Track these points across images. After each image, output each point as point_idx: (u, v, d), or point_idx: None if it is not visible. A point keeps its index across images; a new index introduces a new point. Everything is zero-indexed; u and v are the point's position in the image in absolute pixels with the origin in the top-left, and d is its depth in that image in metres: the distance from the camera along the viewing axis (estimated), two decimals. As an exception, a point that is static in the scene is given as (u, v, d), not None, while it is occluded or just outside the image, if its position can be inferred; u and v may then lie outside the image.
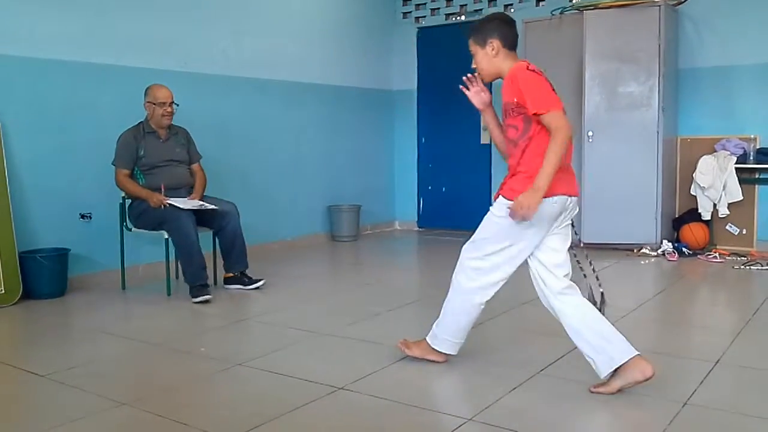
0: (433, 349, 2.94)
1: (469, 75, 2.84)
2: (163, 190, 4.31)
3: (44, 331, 3.73)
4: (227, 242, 4.51)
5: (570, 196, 2.63)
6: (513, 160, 2.65)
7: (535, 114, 2.51)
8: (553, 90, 2.61)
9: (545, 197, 2.50)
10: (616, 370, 2.57)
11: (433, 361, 2.95)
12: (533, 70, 2.61)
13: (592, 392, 2.62)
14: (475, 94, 2.85)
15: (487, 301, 2.80)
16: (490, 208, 2.72)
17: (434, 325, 2.94)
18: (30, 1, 4.40)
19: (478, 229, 2.76)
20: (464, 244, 2.82)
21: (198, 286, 4.22)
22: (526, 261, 2.72)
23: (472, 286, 2.77)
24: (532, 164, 2.54)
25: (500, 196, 2.67)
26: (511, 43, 2.73)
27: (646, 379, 2.55)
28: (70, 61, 4.62)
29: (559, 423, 2.44)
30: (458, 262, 2.82)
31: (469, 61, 2.81)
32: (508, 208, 2.55)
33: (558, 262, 2.68)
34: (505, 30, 2.72)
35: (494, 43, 2.69)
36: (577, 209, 2.73)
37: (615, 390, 2.58)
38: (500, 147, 2.87)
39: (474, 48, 2.75)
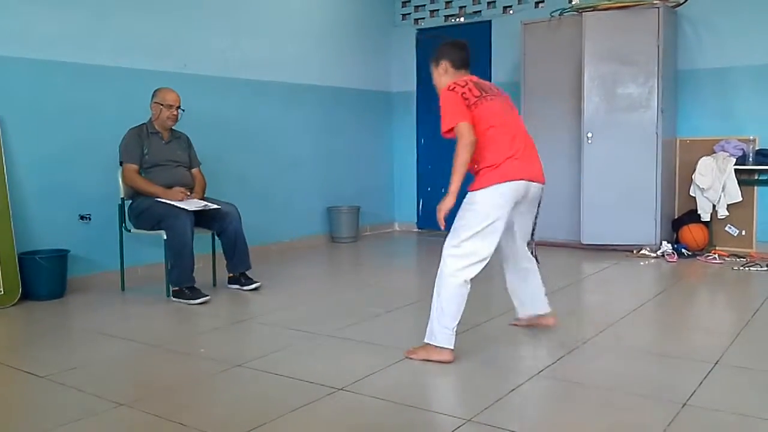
0: (435, 347, 2.97)
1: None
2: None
3: (43, 332, 3.73)
4: (229, 244, 4.52)
5: (529, 180, 3.03)
6: (470, 163, 2.99)
7: (446, 132, 2.97)
8: (469, 106, 2.97)
9: (504, 181, 2.92)
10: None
11: (440, 362, 2.96)
12: (452, 89, 3.01)
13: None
14: (442, 217, 2.98)
15: (470, 280, 2.95)
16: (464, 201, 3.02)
17: (428, 325, 3.01)
18: (30, 2, 4.40)
19: (454, 222, 3.01)
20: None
21: (187, 288, 4.21)
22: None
23: (453, 269, 2.94)
24: (480, 159, 2.98)
25: (469, 191, 3.01)
26: (459, 64, 3.19)
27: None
28: (70, 62, 4.62)
29: (558, 424, 2.44)
30: (441, 258, 3.00)
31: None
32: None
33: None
34: (454, 53, 3.19)
35: (444, 64, 3.19)
36: (541, 195, 3.17)
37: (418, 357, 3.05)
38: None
39: (432, 68, 3.25)
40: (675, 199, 6.07)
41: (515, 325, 3.53)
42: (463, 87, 3.01)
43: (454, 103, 2.97)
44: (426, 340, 3.01)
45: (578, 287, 4.77)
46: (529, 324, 3.48)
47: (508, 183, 2.94)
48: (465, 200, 3.00)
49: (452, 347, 2.96)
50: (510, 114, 3.12)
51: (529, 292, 3.38)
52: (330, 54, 6.76)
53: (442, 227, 3.02)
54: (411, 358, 3.04)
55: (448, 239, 3.00)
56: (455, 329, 2.96)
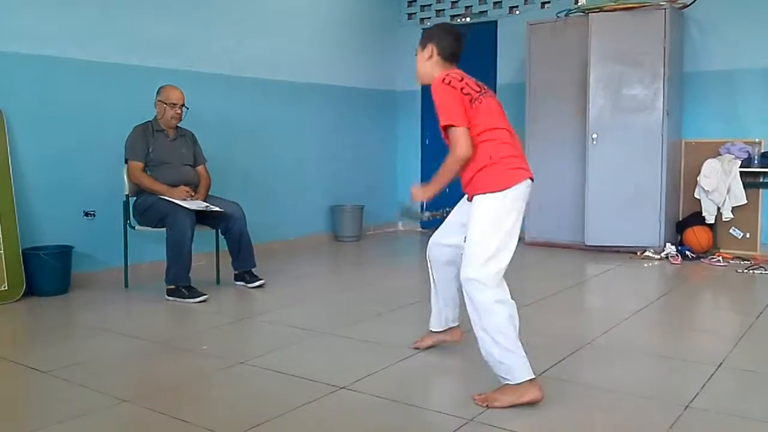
0: (522, 385, 2.56)
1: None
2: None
3: (47, 328, 3.74)
4: (234, 243, 4.53)
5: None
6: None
7: (443, 127, 2.61)
8: (472, 101, 2.63)
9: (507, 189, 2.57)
10: None
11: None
12: (448, 83, 2.64)
13: None
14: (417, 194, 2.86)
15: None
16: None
17: (496, 366, 2.61)
18: (36, -2, 4.42)
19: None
20: None
21: (184, 287, 4.20)
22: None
23: (502, 289, 2.66)
24: (473, 165, 2.63)
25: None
26: (447, 54, 2.80)
27: None
28: (76, 59, 4.63)
29: (560, 425, 2.43)
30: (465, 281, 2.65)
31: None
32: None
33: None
34: (445, 40, 2.80)
35: (431, 48, 2.80)
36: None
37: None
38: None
39: (417, 50, 2.87)
40: (679, 201, 6.06)
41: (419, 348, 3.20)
42: (460, 81, 2.66)
43: (454, 99, 2.61)
44: None
45: (582, 288, 4.77)
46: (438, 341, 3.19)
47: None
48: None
49: None
50: (504, 116, 2.75)
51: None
52: (335, 53, 6.76)
53: (415, 199, 2.83)
54: None
55: None
56: None
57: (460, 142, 2.56)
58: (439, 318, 3.14)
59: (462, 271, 2.59)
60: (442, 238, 3.00)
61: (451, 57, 2.82)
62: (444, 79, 2.66)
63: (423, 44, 2.84)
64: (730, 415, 2.45)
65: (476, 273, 2.52)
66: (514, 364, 2.51)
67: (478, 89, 2.69)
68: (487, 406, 2.51)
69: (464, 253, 2.61)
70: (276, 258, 5.62)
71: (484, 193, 2.60)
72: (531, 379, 2.52)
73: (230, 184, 5.33)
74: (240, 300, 4.38)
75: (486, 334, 2.53)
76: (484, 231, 2.56)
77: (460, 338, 3.16)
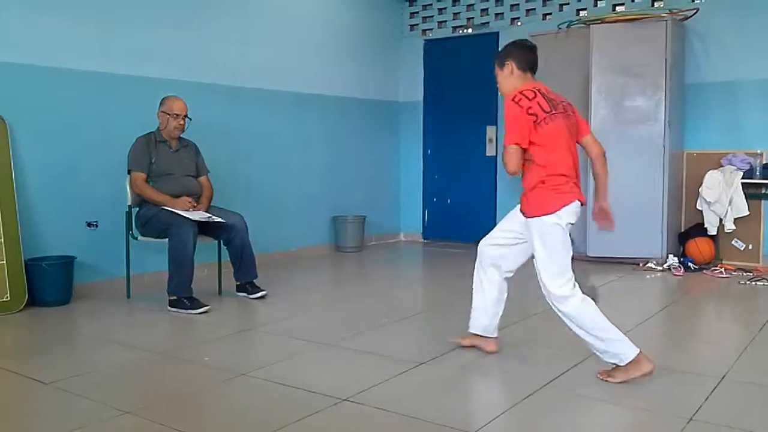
0: (631, 363, 2.84)
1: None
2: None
3: (49, 338, 3.74)
4: (236, 254, 4.53)
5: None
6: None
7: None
8: (537, 122, 2.87)
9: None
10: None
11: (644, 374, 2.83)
12: (517, 102, 2.89)
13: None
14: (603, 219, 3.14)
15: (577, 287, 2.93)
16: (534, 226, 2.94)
17: (603, 354, 2.89)
18: (39, 10, 4.44)
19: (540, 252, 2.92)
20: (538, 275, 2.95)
21: (186, 299, 4.20)
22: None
23: (563, 294, 2.88)
24: (527, 183, 2.97)
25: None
26: (525, 66, 3.07)
27: None
28: (78, 70, 4.65)
29: (564, 437, 2.43)
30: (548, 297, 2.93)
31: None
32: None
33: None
34: (520, 54, 3.07)
35: (510, 65, 3.06)
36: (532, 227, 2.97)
37: None
38: None
39: (496, 71, 3.12)
40: (682, 212, 6.05)
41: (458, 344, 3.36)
42: (531, 100, 2.89)
43: (517, 119, 2.86)
44: (618, 363, 2.87)
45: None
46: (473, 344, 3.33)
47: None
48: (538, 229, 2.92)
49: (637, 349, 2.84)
50: (571, 138, 3.03)
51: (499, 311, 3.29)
52: (338, 64, 6.78)
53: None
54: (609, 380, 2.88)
55: (549, 275, 2.89)
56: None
57: (512, 160, 2.89)
58: (479, 321, 3.27)
59: (545, 293, 2.93)
60: (491, 240, 3.22)
61: (528, 68, 3.07)
62: (514, 97, 2.91)
63: (501, 63, 3.09)
64: (732, 428, 2.44)
65: (553, 289, 2.88)
66: (618, 350, 2.83)
67: (549, 109, 2.90)
68: (606, 380, 2.86)
69: (539, 277, 2.93)
70: (278, 269, 5.62)
71: (537, 216, 2.90)
72: (638, 355, 2.81)
73: (232, 194, 5.34)
74: (242, 311, 4.38)
75: (586, 333, 2.87)
76: (546, 253, 2.90)
77: (495, 350, 3.26)
